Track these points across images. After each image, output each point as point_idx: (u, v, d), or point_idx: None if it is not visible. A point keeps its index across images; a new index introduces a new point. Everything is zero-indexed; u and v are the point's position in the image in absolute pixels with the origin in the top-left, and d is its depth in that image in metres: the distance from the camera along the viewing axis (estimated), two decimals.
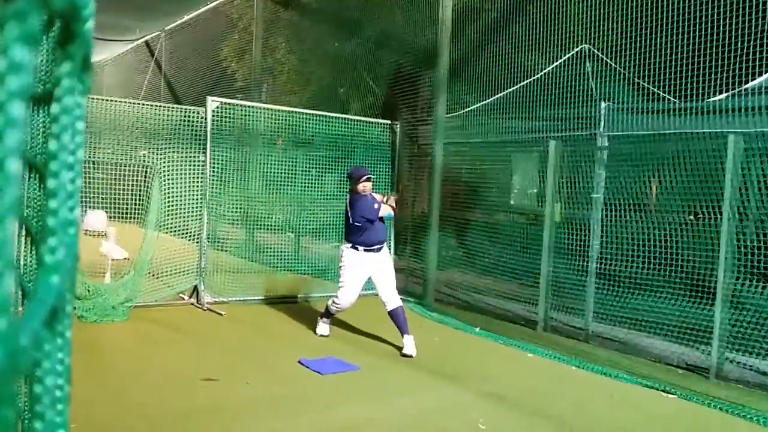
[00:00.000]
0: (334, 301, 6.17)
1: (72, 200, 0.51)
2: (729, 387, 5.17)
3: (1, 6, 0.36)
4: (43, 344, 0.48)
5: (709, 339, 5.42)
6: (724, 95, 5.37)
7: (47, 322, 0.45)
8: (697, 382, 5.22)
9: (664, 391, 5.07)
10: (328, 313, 6.32)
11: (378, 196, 6.18)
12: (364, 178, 6.06)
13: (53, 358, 0.49)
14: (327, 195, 8.51)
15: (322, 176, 8.46)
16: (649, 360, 5.87)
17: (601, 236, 6.42)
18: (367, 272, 6.04)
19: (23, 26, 0.34)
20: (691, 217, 5.89)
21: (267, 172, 8.16)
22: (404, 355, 5.74)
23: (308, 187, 8.49)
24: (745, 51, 5.20)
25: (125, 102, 7.56)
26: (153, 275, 7.25)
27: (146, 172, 7.37)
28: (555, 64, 6.87)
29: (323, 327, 6.37)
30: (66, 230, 0.48)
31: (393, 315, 5.90)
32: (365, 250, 5.98)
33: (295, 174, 8.39)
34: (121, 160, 7.32)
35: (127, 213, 7.44)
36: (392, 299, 5.93)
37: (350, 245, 6.03)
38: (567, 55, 6.78)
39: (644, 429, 4.35)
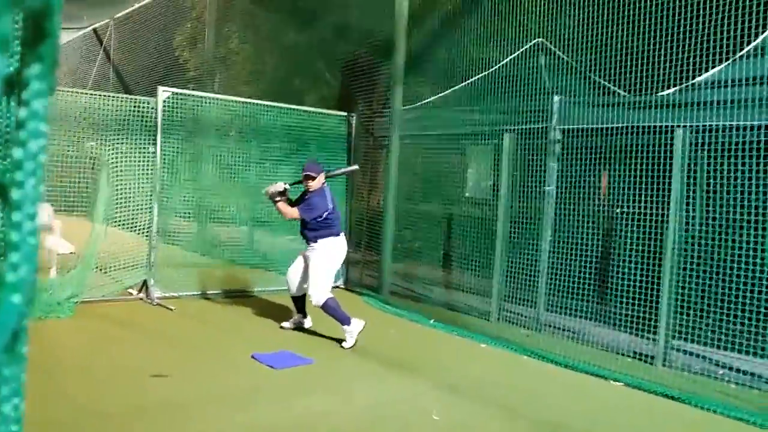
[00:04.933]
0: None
1: (33, 208, 0.47)
2: (675, 374, 5.33)
3: None
4: (2, 370, 0.45)
5: (656, 327, 5.58)
6: (673, 90, 5.51)
7: (8, 346, 0.42)
8: (644, 370, 5.37)
9: (613, 378, 5.21)
10: (302, 311, 6.40)
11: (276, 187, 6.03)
12: (303, 176, 6.03)
13: (12, 382, 0.46)
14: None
15: (276, 168, 8.36)
16: (599, 348, 6.00)
17: (554, 228, 6.53)
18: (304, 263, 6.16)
19: None
20: (617, 210, 6.05)
21: (220, 164, 8.03)
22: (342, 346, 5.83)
23: (263, 179, 8.36)
24: (693, 47, 5.34)
25: (72, 92, 7.33)
26: (100, 270, 7.06)
27: (94, 163, 7.16)
28: (510, 57, 6.93)
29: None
30: (27, 242, 0.45)
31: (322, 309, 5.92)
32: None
33: (249, 166, 8.27)
34: (68, 151, 7.08)
35: (73, 206, 7.22)
36: (313, 295, 5.89)
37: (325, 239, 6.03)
38: (522, 49, 6.84)
39: (594, 416, 4.46)
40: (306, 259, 6.11)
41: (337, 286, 8.13)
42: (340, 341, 5.89)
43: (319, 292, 5.83)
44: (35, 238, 0.48)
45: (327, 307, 5.83)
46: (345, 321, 5.82)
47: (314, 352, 5.54)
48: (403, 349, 5.92)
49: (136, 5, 14.34)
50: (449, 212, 7.84)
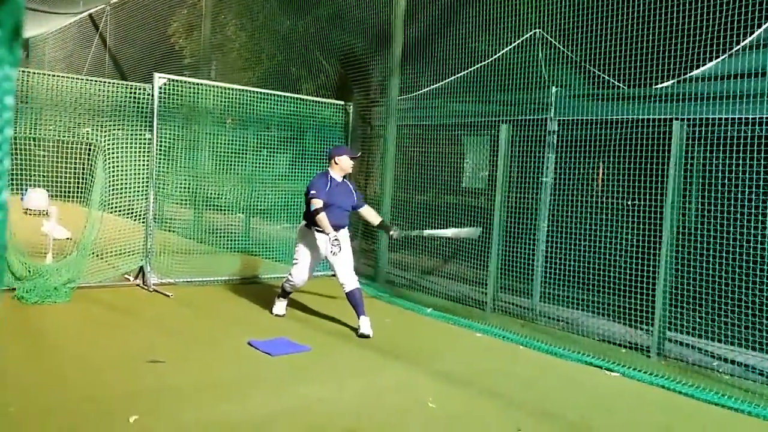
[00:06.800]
0: (287, 279, 6.14)
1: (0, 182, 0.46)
2: (669, 365, 5.36)
3: None
4: None
5: (651, 319, 5.61)
6: (670, 82, 5.51)
7: None
8: (640, 360, 5.40)
9: (608, 369, 5.23)
10: (284, 293, 6.28)
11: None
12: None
13: None
14: (278, 175, 8.40)
15: (273, 156, 8.35)
16: (594, 339, 6.04)
17: (550, 219, 6.54)
18: (322, 252, 5.93)
19: None
20: (629, 202, 6.07)
21: (216, 152, 8.01)
22: (361, 336, 5.73)
23: (259, 167, 8.36)
24: (692, 39, 5.34)
25: (68, 77, 7.28)
26: (97, 256, 7.05)
27: (90, 149, 7.13)
28: (507, 48, 6.92)
29: (279, 306, 6.33)
30: None
31: (350, 296, 5.85)
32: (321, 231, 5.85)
33: (246, 153, 8.26)
34: (64, 137, 7.05)
35: (69, 192, 7.21)
36: (349, 281, 5.86)
37: (306, 223, 5.96)
38: (519, 40, 6.83)
39: (589, 406, 4.48)
40: (319, 248, 5.94)
41: (334, 275, 8.14)
42: (344, 327, 5.98)
43: (355, 277, 5.92)
44: (2, 212, 0.47)
45: (357, 294, 5.86)
46: (363, 311, 5.84)
47: (311, 339, 5.55)
48: (398, 338, 5.93)
49: None
50: (446, 202, 7.84)
